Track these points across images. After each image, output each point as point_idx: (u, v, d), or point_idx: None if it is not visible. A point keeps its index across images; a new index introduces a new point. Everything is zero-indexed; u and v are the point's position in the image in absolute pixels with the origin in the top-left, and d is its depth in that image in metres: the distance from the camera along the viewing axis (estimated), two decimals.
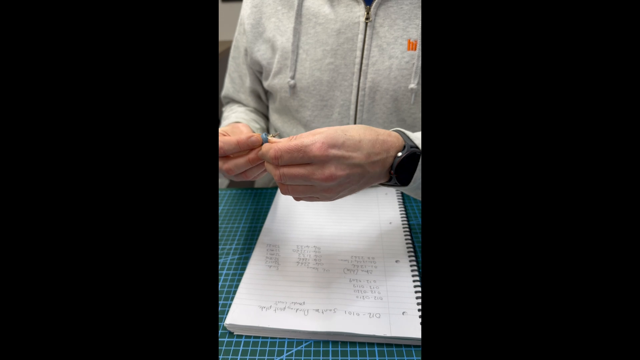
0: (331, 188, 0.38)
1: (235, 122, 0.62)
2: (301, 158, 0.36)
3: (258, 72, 0.67)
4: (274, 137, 0.42)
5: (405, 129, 0.60)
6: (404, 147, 0.40)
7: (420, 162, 0.41)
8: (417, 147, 0.41)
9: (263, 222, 0.57)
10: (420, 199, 0.48)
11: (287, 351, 0.38)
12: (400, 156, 0.40)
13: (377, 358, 0.37)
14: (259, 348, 0.39)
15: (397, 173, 0.40)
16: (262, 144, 0.42)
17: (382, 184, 0.44)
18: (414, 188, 0.44)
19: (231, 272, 0.49)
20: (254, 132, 0.63)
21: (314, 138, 0.36)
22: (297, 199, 0.41)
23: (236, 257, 0.51)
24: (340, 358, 0.38)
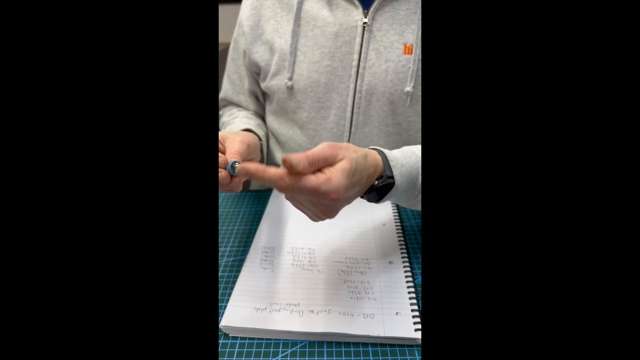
0: (325, 218, 0.41)
1: (244, 130, 0.60)
2: (315, 198, 0.36)
3: (256, 73, 0.67)
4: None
5: (401, 131, 0.61)
6: (382, 176, 0.42)
7: (391, 190, 0.43)
8: (392, 177, 0.43)
9: (258, 225, 0.58)
10: (405, 206, 0.50)
11: (282, 352, 0.39)
12: (377, 185, 0.42)
13: (371, 358, 0.38)
14: (254, 349, 0.39)
15: (368, 194, 0.43)
16: (224, 167, 0.43)
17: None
18: (384, 201, 0.46)
19: (226, 274, 0.49)
20: (261, 139, 0.62)
21: (330, 186, 0.35)
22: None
23: (231, 259, 0.51)
24: (334, 358, 0.38)
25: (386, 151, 0.45)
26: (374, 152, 0.43)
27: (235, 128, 0.62)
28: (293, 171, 0.34)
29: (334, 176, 0.36)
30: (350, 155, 0.38)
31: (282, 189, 0.35)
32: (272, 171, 0.35)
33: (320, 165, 0.36)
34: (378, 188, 0.43)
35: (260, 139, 0.62)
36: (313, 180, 0.35)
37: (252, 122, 0.65)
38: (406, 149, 0.47)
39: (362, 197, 0.46)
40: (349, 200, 0.40)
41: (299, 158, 0.34)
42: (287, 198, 0.41)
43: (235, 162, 0.43)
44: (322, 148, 0.37)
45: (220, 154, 0.43)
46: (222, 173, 0.42)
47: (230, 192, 0.46)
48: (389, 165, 0.44)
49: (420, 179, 0.45)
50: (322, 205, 0.38)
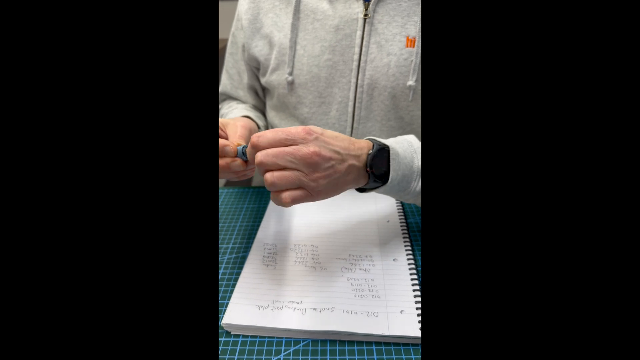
0: (317, 169, 0.38)
1: (242, 117, 0.61)
2: (285, 138, 0.38)
3: (255, 68, 0.66)
4: None
5: (403, 126, 0.60)
6: (374, 146, 0.43)
7: (391, 156, 0.43)
8: (385, 145, 0.44)
9: (260, 221, 0.57)
10: (410, 203, 0.50)
11: (285, 350, 0.38)
12: (372, 152, 0.43)
13: (375, 357, 0.37)
14: (256, 347, 0.39)
15: (372, 169, 0.43)
16: (235, 156, 0.44)
17: (366, 189, 0.46)
18: (398, 190, 0.46)
19: (228, 271, 0.48)
20: (259, 127, 0.62)
21: (295, 127, 0.40)
22: (288, 198, 0.39)
23: (233, 256, 0.51)
24: (338, 357, 0.37)
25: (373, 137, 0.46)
26: None
27: (235, 116, 0.62)
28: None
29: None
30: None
31: (253, 137, 0.39)
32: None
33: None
34: (376, 155, 0.42)
35: (259, 128, 0.62)
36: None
37: (252, 113, 0.65)
38: (397, 138, 0.48)
39: (365, 189, 0.45)
40: (328, 146, 0.39)
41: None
42: (270, 183, 0.38)
43: (244, 146, 0.43)
44: None
45: (227, 141, 0.43)
46: (237, 162, 0.43)
47: (244, 177, 0.46)
48: (375, 139, 0.45)
49: (417, 162, 0.45)
50: (298, 149, 0.38)
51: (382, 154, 0.43)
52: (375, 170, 0.43)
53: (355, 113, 0.59)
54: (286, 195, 0.39)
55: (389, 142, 0.45)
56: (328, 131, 0.41)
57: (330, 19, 0.56)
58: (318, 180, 0.39)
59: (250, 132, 0.49)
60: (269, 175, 0.38)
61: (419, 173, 0.46)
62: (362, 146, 0.43)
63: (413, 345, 0.38)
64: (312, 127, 0.39)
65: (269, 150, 0.38)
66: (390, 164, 0.43)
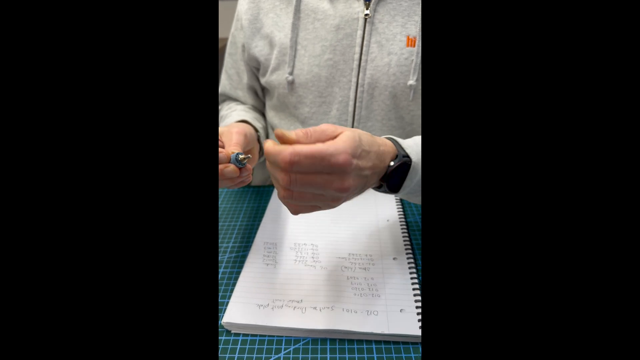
0: (341, 198, 0.37)
1: (238, 121, 0.60)
2: (322, 167, 0.34)
3: (255, 68, 0.66)
4: (244, 158, 0.42)
5: (404, 125, 0.60)
6: (397, 156, 0.41)
7: (410, 171, 0.41)
8: (408, 156, 0.41)
9: (260, 220, 0.57)
10: (413, 202, 0.49)
11: (285, 349, 0.38)
12: (393, 165, 0.40)
13: (374, 355, 0.37)
14: (256, 346, 0.39)
15: (387, 181, 0.41)
16: (229, 162, 0.42)
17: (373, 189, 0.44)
18: (405, 193, 0.45)
19: (228, 270, 0.49)
20: (257, 130, 0.62)
21: (337, 147, 0.34)
22: (296, 210, 0.38)
23: (233, 255, 0.51)
24: (338, 355, 0.37)
25: (394, 137, 0.44)
26: (382, 137, 0.42)
27: (231, 121, 0.62)
28: (288, 142, 0.34)
29: (339, 139, 0.34)
30: (352, 129, 0.37)
31: (286, 162, 0.33)
32: (277, 146, 0.34)
33: (318, 137, 0.35)
34: (395, 169, 0.40)
35: (257, 130, 0.61)
36: (317, 144, 0.33)
37: (249, 115, 0.65)
38: (415, 138, 0.45)
39: (377, 189, 0.44)
40: (361, 173, 0.36)
41: (293, 131, 0.34)
42: (286, 198, 0.36)
43: (238, 153, 0.42)
44: (319, 125, 0.36)
45: (220, 149, 0.43)
46: (230, 167, 0.41)
47: (241, 184, 0.45)
48: (401, 146, 0.42)
49: None
50: (332, 181, 0.34)
51: (402, 168, 0.41)
52: (389, 185, 0.41)
53: (356, 112, 0.59)
54: (299, 212, 0.38)
55: (412, 152, 0.42)
56: (364, 149, 0.36)
57: (331, 18, 0.56)
58: (337, 202, 0.37)
59: (246, 137, 0.48)
60: (287, 194, 0.36)
61: None
62: (385, 157, 0.40)
63: (413, 343, 0.38)
64: (353, 150, 0.35)
65: (300, 178, 0.34)
66: (405, 179, 0.41)
